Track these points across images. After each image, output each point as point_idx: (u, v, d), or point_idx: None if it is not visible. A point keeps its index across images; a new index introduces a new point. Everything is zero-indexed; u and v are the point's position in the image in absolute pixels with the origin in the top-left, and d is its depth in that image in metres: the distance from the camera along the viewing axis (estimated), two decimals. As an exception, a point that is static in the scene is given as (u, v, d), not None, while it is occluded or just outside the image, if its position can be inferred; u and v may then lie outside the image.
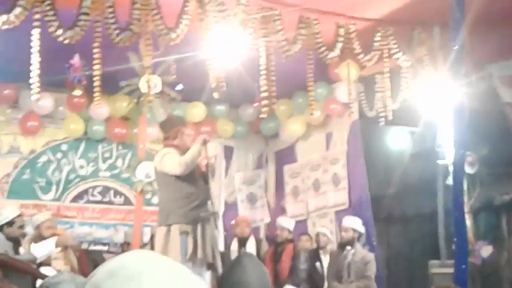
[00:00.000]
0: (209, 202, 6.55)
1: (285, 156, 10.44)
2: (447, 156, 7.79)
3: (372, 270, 8.00)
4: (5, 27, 5.78)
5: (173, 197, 6.63)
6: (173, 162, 6.56)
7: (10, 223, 6.78)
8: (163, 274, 1.00)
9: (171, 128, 6.81)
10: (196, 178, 6.67)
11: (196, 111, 9.62)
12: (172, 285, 0.99)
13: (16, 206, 7.62)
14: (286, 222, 8.89)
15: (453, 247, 6.09)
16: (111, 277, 0.97)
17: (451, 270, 6.46)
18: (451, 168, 6.99)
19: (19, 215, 6.98)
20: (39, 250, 7.00)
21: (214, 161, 7.10)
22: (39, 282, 5.89)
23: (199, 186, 6.66)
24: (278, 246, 8.74)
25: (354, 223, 8.14)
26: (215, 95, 6.91)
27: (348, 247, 8.01)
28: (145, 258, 1.03)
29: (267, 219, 10.50)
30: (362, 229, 8.21)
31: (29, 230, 7.94)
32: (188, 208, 6.57)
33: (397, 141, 10.54)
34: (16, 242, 6.89)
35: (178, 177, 6.57)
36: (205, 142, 6.57)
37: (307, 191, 9.89)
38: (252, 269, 2.81)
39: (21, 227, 6.89)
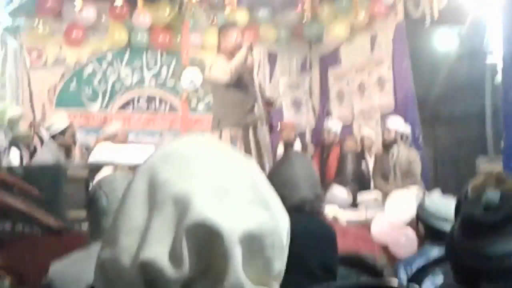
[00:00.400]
0: (256, 106, 6.59)
1: (329, 60, 10.34)
2: (496, 55, 7.62)
3: (417, 168, 8.00)
4: None
5: (223, 103, 6.74)
6: (220, 71, 6.62)
7: (62, 132, 6.95)
8: (217, 153, 1.03)
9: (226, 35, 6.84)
10: (244, 83, 6.71)
11: (239, 15, 9.52)
12: (226, 163, 1.01)
13: (66, 115, 7.73)
14: (333, 124, 8.87)
15: (501, 143, 6.05)
16: (166, 160, 1.00)
17: (499, 165, 6.42)
18: (499, 67, 6.86)
19: (70, 124, 7.14)
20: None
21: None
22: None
23: (247, 91, 6.71)
24: (324, 148, 8.77)
25: (396, 123, 8.08)
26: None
27: (392, 148, 8.00)
28: (199, 141, 1.05)
29: (313, 123, 10.52)
30: (405, 129, 8.15)
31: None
32: (238, 113, 6.67)
33: (443, 42, 10.34)
34: (67, 150, 7.08)
35: (227, 84, 6.65)
36: (251, 48, 6.58)
37: (352, 94, 9.85)
38: (300, 166, 2.82)
39: (73, 135, 7.07)
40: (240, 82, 6.69)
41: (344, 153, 8.56)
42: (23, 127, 7.54)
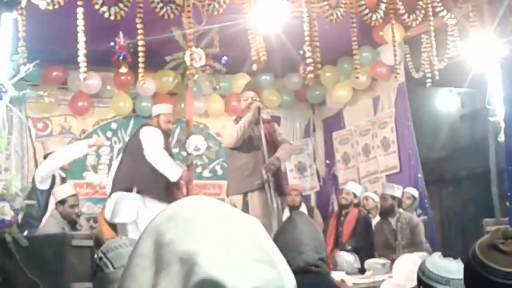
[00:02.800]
0: (263, 170, 6.60)
1: (333, 122, 10.41)
2: (498, 113, 7.65)
3: (421, 233, 7.95)
4: (50, 7, 5.85)
5: (231, 168, 6.83)
6: (226, 135, 6.74)
7: (62, 202, 6.90)
8: (221, 213, 1.03)
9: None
10: (250, 147, 6.76)
11: (241, 82, 9.59)
12: (230, 223, 1.01)
13: (70, 185, 7.73)
14: (352, 186, 8.88)
15: (507, 203, 6.01)
16: (171, 220, 1.01)
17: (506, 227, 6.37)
18: (502, 125, 6.89)
19: (73, 195, 7.10)
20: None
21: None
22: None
23: (252, 154, 6.74)
24: (342, 209, 8.75)
25: (392, 190, 8.10)
26: (254, 66, 6.93)
27: (395, 213, 7.98)
28: (202, 201, 1.06)
29: (317, 187, 10.51)
30: (399, 194, 8.15)
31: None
32: (241, 178, 6.70)
33: (445, 102, 10.43)
34: (72, 219, 7.03)
35: (233, 149, 6.74)
36: (259, 110, 6.66)
37: (358, 157, 9.87)
38: (304, 227, 2.80)
39: (73, 206, 6.99)
40: (250, 145, 6.76)
41: (361, 216, 8.53)
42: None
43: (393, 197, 8.04)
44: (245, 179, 6.82)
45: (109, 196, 7.38)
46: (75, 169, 9.25)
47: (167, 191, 7.01)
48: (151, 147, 7.09)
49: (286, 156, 7.02)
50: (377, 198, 8.67)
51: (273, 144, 6.97)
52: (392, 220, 7.96)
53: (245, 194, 6.78)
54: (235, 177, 6.85)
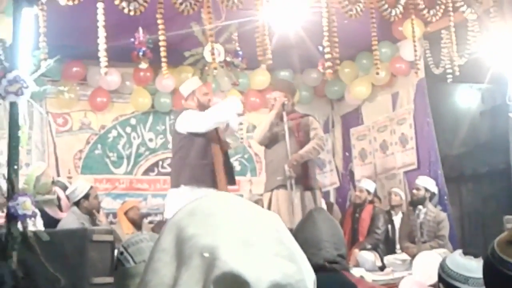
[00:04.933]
0: (285, 166, 6.60)
1: (351, 118, 10.38)
2: (519, 109, 7.62)
3: (445, 229, 7.95)
4: (70, 3, 5.88)
5: (265, 166, 6.88)
6: (256, 133, 6.77)
7: (86, 196, 6.98)
8: (241, 208, 1.04)
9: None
10: (276, 144, 6.79)
11: (260, 78, 9.62)
12: (250, 218, 1.02)
13: (87, 180, 7.78)
14: (366, 183, 8.89)
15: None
16: (191, 215, 1.02)
17: (528, 224, 6.35)
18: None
19: (91, 187, 7.17)
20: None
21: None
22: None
23: (277, 151, 6.77)
24: (357, 207, 8.75)
25: (427, 182, 8.09)
26: (263, 66, 6.93)
27: (420, 207, 7.96)
28: (222, 197, 1.07)
29: (337, 183, 10.50)
30: (434, 189, 8.15)
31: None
32: (268, 175, 6.77)
33: (465, 98, 10.37)
34: (91, 215, 7.09)
35: (265, 146, 6.81)
36: (283, 106, 6.67)
37: (375, 153, 9.84)
38: (323, 223, 2.81)
39: (96, 197, 7.09)
40: (275, 142, 6.78)
41: (376, 212, 8.53)
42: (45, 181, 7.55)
43: (427, 190, 8.03)
44: (270, 176, 6.88)
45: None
46: (94, 164, 9.34)
47: (213, 176, 6.47)
48: (189, 118, 6.49)
49: (311, 152, 6.93)
50: (403, 195, 8.64)
51: (303, 140, 6.95)
52: (420, 213, 7.93)
53: (271, 192, 6.81)
54: (266, 175, 6.96)
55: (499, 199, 9.75)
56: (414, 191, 8.11)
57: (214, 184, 6.35)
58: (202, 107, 6.62)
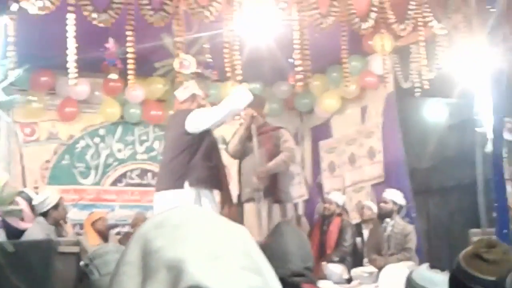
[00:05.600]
0: (254, 179, 6.59)
1: (321, 131, 10.41)
2: (486, 124, 7.70)
3: (412, 242, 7.98)
4: (41, 13, 5.84)
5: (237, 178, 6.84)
6: (228, 146, 6.74)
7: (56, 206, 6.90)
8: (208, 221, 1.04)
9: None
10: (245, 157, 6.77)
11: (231, 90, 9.60)
12: (218, 231, 1.02)
13: (55, 191, 7.69)
14: (335, 196, 8.91)
15: (494, 214, 6.04)
16: (159, 227, 1.01)
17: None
18: (489, 136, 6.91)
19: (61, 197, 7.09)
20: None
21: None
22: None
23: (246, 164, 6.76)
24: (325, 219, 8.77)
25: (394, 195, 8.13)
26: (231, 83, 6.94)
27: (387, 219, 8.00)
28: (190, 209, 1.06)
29: (305, 196, 10.51)
30: (402, 202, 8.19)
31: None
32: (241, 187, 6.74)
33: (433, 112, 10.44)
34: (58, 226, 7.00)
35: (234, 158, 6.78)
36: (252, 118, 6.65)
37: (343, 166, 9.87)
38: (290, 236, 2.80)
39: (64, 208, 7.03)
40: (245, 155, 6.77)
41: (344, 225, 8.55)
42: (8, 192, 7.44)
43: (394, 202, 8.07)
44: (242, 189, 6.86)
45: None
46: (61, 175, 9.25)
47: (220, 177, 6.38)
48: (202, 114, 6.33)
49: (280, 165, 6.91)
50: (375, 208, 8.67)
51: (274, 153, 6.94)
52: (388, 226, 7.96)
53: (241, 204, 6.80)
54: (239, 187, 6.91)
55: (465, 213, 9.82)
56: (382, 204, 8.15)
57: (219, 186, 6.33)
58: None
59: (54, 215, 6.89)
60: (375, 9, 7.22)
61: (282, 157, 6.90)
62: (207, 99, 8.92)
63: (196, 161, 6.13)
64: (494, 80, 5.33)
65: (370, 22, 7.20)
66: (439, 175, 10.43)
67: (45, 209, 6.94)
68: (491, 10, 5.03)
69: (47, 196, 7.07)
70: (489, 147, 6.65)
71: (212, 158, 6.29)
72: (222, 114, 6.21)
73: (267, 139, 6.93)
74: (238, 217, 6.74)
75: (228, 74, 6.90)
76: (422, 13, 7.46)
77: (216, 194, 6.47)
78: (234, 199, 6.79)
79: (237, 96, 6.34)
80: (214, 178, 6.26)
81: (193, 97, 6.50)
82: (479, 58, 6.69)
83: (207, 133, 6.30)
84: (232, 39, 6.66)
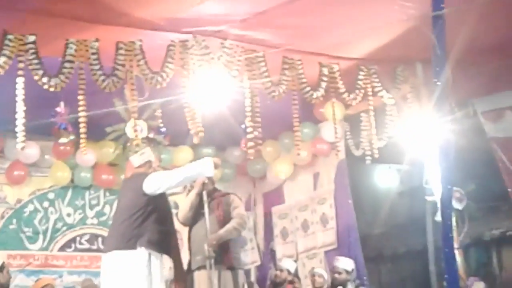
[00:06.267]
0: (205, 246, 6.51)
1: (273, 197, 10.41)
2: (435, 193, 7.80)
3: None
4: (-10, 75, 5.79)
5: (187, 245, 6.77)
6: (178, 213, 6.69)
7: (0, 269, 6.78)
8: None
9: None
10: (196, 223, 6.71)
11: (183, 155, 9.60)
12: None
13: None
14: (286, 263, 8.87)
15: (444, 284, 6.05)
16: None
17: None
18: (439, 204, 6.98)
19: (3, 262, 6.96)
20: None
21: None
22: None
23: (197, 231, 6.70)
24: (276, 286, 8.69)
25: (346, 264, 8.11)
26: (195, 140, 6.93)
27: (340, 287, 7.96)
28: None
29: (258, 262, 10.43)
30: (352, 267, 8.18)
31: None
32: (191, 255, 6.66)
33: (384, 179, 10.56)
34: (4, 288, 6.88)
35: (187, 225, 6.73)
36: (203, 185, 6.62)
37: (296, 232, 9.85)
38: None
39: (8, 272, 6.89)
40: (196, 222, 6.71)
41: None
42: None
43: (347, 271, 8.04)
44: (192, 256, 6.77)
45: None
46: (7, 240, 9.03)
47: (171, 242, 6.34)
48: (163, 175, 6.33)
49: (231, 232, 6.85)
50: (326, 276, 8.62)
51: (224, 219, 6.88)
52: None
53: (191, 272, 6.70)
54: (189, 254, 6.80)
55: (416, 280, 9.87)
56: (336, 275, 8.09)
57: (169, 252, 6.26)
58: None
59: None
60: (325, 78, 7.34)
61: (233, 224, 6.85)
62: (160, 164, 8.95)
63: (148, 223, 6.07)
64: (442, 150, 5.41)
65: (321, 91, 7.31)
66: (391, 242, 10.50)
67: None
68: (437, 83, 5.14)
69: None
70: (438, 216, 6.71)
71: (164, 223, 6.23)
72: (181, 177, 6.19)
73: (217, 205, 6.89)
74: (189, 285, 6.65)
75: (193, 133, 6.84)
76: (372, 83, 7.60)
77: (167, 259, 6.38)
78: (185, 266, 6.70)
79: (202, 165, 6.31)
80: (165, 243, 6.19)
81: (149, 163, 6.47)
82: (427, 127, 6.81)
83: (162, 197, 6.27)
84: (190, 103, 6.68)
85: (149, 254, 5.97)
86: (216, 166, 6.28)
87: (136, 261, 5.92)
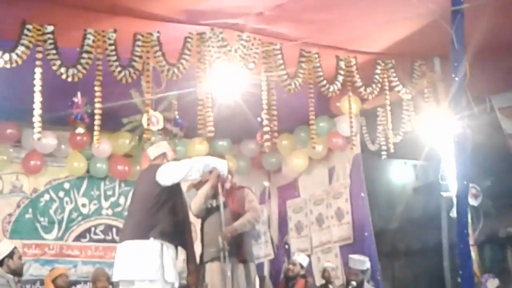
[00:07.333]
0: (219, 238, 6.52)
1: (288, 191, 10.40)
2: (451, 189, 7.77)
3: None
4: (8, 66, 5.82)
5: (200, 238, 6.77)
6: (192, 205, 6.69)
7: (10, 255, 6.78)
8: None
9: None
10: (210, 216, 6.71)
11: (198, 147, 9.60)
12: None
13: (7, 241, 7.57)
14: (299, 258, 8.86)
15: (459, 280, 6.03)
16: None
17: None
18: (454, 201, 6.96)
19: (15, 247, 6.97)
20: None
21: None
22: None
23: (211, 223, 6.69)
24: (289, 281, 8.69)
25: (362, 264, 8.08)
26: (203, 136, 6.94)
27: (353, 283, 7.95)
28: None
29: (271, 255, 10.43)
30: (368, 265, 8.16)
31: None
32: (204, 247, 6.66)
33: (399, 174, 10.53)
34: (17, 275, 6.87)
35: (200, 218, 6.72)
36: (218, 177, 6.61)
37: (311, 226, 9.84)
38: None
39: (20, 257, 6.89)
40: (210, 214, 6.71)
41: (308, 287, 8.48)
42: None
43: (362, 271, 8.04)
44: (205, 248, 6.77)
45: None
46: (23, 229, 9.08)
47: (184, 233, 6.34)
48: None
49: (245, 225, 6.85)
50: (340, 270, 8.61)
51: (239, 212, 6.88)
52: None
53: (205, 264, 6.70)
54: (201, 246, 6.80)
55: (430, 276, 9.84)
56: (353, 277, 8.06)
57: (183, 243, 6.29)
58: None
59: (9, 264, 6.77)
60: (342, 72, 7.31)
61: (248, 217, 6.85)
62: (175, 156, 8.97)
63: (162, 214, 6.10)
64: (458, 146, 5.38)
65: (338, 85, 7.28)
66: (405, 238, 10.46)
67: (-1, 259, 6.81)
68: (455, 78, 5.11)
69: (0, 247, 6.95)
70: (454, 212, 6.68)
71: (178, 214, 6.26)
72: (193, 167, 6.20)
73: (231, 199, 6.89)
74: (201, 276, 6.66)
75: (200, 131, 6.88)
76: (389, 77, 7.57)
77: (180, 250, 6.40)
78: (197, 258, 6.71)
79: (215, 161, 6.35)
80: (179, 234, 6.21)
81: (164, 155, 6.50)
82: (443, 123, 6.78)
83: (177, 188, 6.29)
84: (204, 96, 6.69)
85: (162, 245, 6.00)
86: (229, 170, 6.35)
87: (149, 251, 5.95)
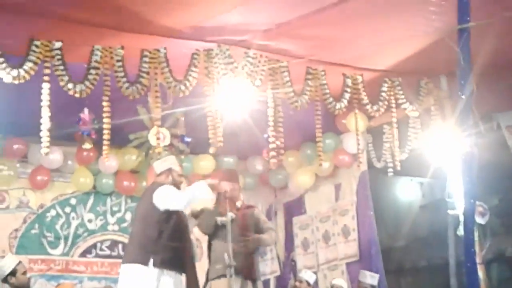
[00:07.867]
0: (225, 255, 6.47)
1: (294, 207, 10.38)
2: (457, 206, 7.75)
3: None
4: (16, 82, 5.85)
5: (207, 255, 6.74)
6: (199, 221, 6.67)
7: (13, 273, 6.74)
8: None
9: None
10: (217, 234, 6.67)
11: (205, 163, 9.62)
12: None
13: (11, 255, 7.56)
14: (306, 275, 8.83)
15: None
16: None
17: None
18: (461, 219, 6.93)
19: (19, 262, 6.94)
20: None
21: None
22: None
23: (219, 241, 6.65)
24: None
25: (372, 279, 8.07)
26: (212, 150, 6.95)
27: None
28: None
29: (277, 272, 10.40)
30: (376, 282, 8.14)
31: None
32: (211, 264, 6.63)
33: (406, 192, 10.51)
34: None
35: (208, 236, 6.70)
36: (225, 195, 6.58)
37: (317, 243, 9.82)
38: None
39: (25, 273, 6.85)
40: (217, 232, 6.67)
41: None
42: None
43: (372, 286, 8.02)
44: (212, 265, 6.74)
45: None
46: (29, 244, 9.08)
47: (184, 259, 6.28)
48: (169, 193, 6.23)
49: (267, 240, 6.83)
50: (345, 286, 8.59)
51: (247, 230, 6.84)
52: None
53: (211, 281, 6.67)
54: (208, 264, 6.79)
55: (437, 294, 9.79)
56: None
57: (182, 270, 6.23)
58: (175, 186, 6.39)
59: (12, 281, 6.74)
60: (349, 89, 7.32)
61: (271, 235, 6.87)
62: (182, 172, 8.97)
63: (162, 240, 6.06)
64: (465, 164, 5.37)
65: (344, 102, 7.30)
66: (411, 255, 10.42)
67: (2, 276, 6.78)
68: (461, 96, 5.11)
69: (3, 263, 6.92)
70: (461, 230, 6.66)
71: (178, 238, 6.20)
72: (184, 201, 6.16)
73: (241, 216, 6.85)
74: None
75: (211, 141, 6.87)
76: (395, 95, 7.58)
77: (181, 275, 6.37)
78: (203, 276, 6.67)
79: (196, 188, 6.21)
80: (178, 260, 6.18)
81: (169, 171, 6.46)
82: (450, 141, 6.77)
83: (176, 211, 6.24)
84: (213, 108, 6.71)
85: (161, 272, 5.99)
86: (212, 188, 6.26)
87: (147, 278, 5.93)
